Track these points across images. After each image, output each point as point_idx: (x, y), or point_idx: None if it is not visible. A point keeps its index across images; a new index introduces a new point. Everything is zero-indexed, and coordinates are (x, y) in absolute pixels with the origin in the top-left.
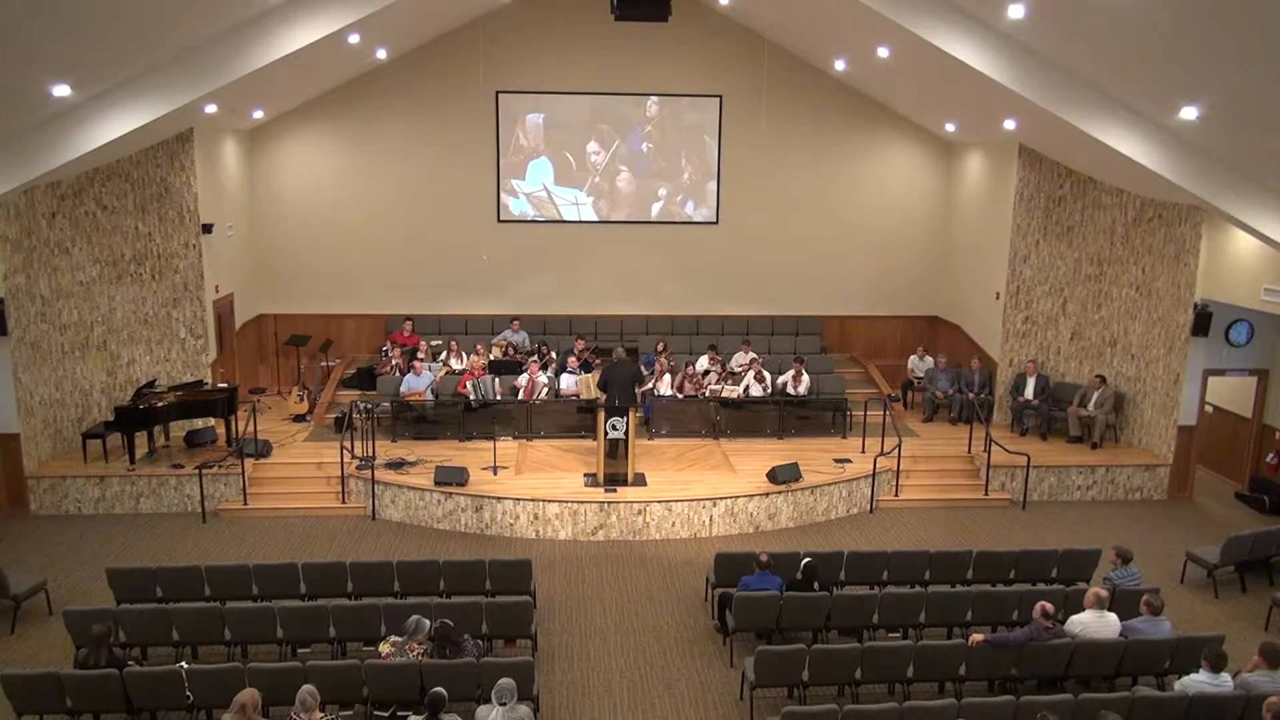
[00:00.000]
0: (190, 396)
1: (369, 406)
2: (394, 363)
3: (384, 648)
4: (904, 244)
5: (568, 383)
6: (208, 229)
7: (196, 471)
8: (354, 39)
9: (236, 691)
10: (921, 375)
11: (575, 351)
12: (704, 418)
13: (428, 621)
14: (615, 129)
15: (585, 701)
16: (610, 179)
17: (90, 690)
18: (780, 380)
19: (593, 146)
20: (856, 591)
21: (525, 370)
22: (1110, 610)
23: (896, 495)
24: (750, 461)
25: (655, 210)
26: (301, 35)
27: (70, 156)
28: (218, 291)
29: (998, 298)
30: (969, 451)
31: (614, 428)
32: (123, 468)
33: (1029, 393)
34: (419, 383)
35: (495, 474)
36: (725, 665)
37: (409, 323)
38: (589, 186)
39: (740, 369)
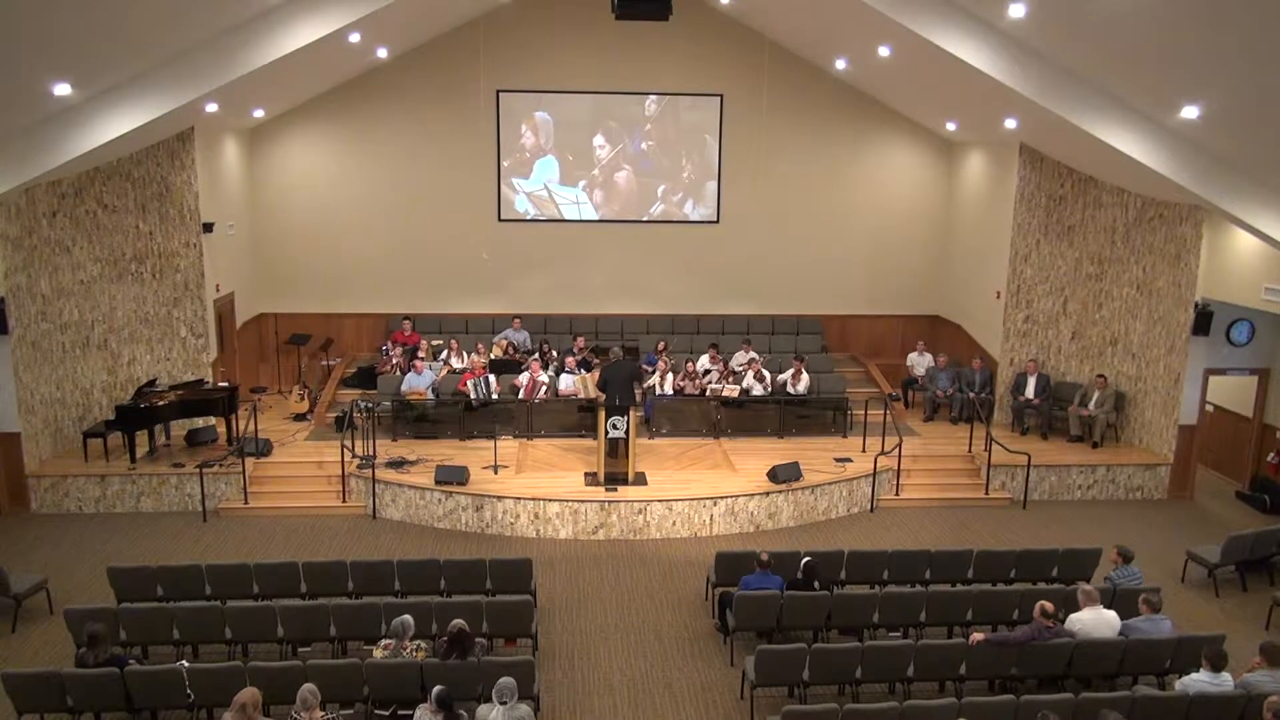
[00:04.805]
0: (191, 395)
1: (370, 405)
2: (394, 361)
3: (377, 653)
4: (904, 243)
5: (566, 382)
6: (208, 228)
7: (197, 470)
8: (354, 38)
9: (237, 690)
10: (922, 372)
11: (575, 350)
12: (704, 417)
13: (411, 619)
14: (619, 127)
15: (585, 701)
16: (610, 174)
17: (91, 689)
18: (780, 379)
19: (599, 140)
20: (857, 591)
21: (526, 369)
22: (1110, 609)
23: (897, 494)
24: (751, 460)
25: (655, 209)
26: (301, 35)
27: (71, 155)
28: (218, 290)
29: (998, 297)
30: (969, 451)
31: (614, 427)
32: (123, 467)
33: (1030, 392)
34: (420, 381)
35: (496, 473)
36: (725, 664)
37: (409, 322)
38: (589, 181)
39: (741, 368)
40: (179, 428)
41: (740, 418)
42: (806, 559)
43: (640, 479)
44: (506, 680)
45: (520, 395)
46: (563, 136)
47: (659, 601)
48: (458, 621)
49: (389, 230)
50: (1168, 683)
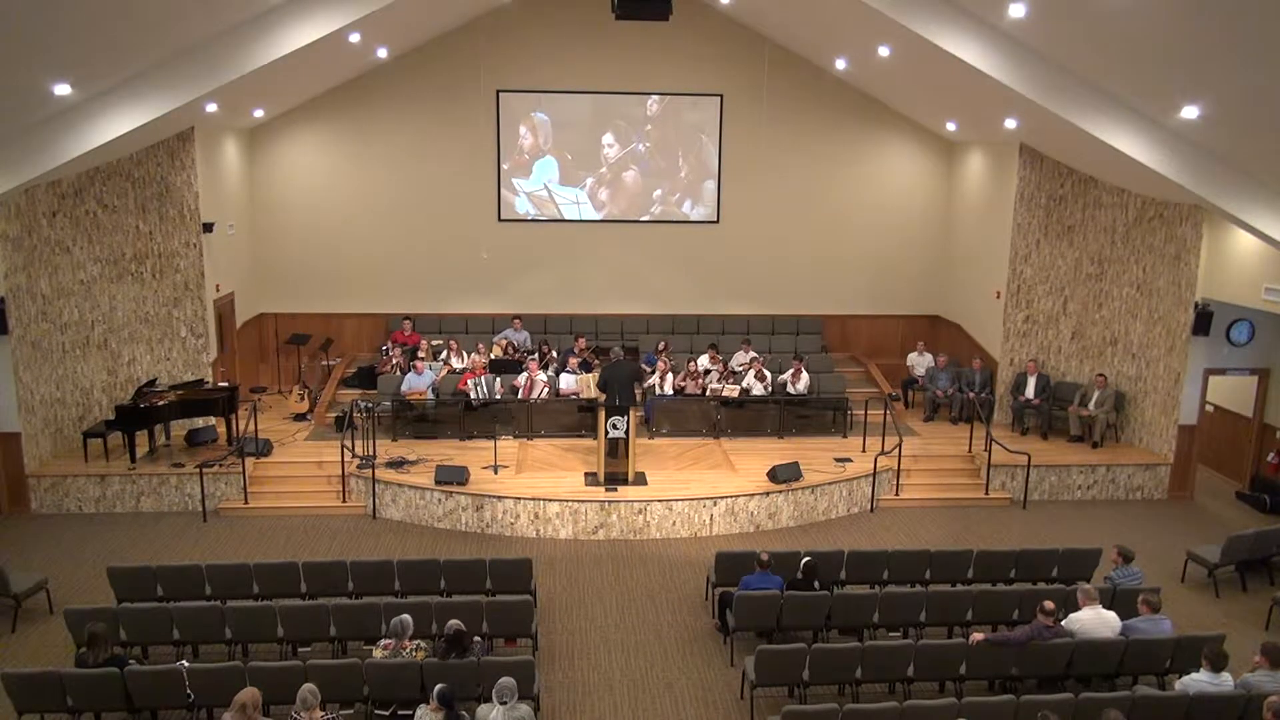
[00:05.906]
0: (191, 395)
1: (369, 405)
2: (394, 361)
3: (377, 653)
4: (904, 243)
5: (567, 382)
6: (208, 228)
7: (197, 470)
8: (354, 38)
9: (237, 690)
10: (921, 372)
11: (576, 351)
12: (705, 417)
13: (410, 618)
14: (627, 126)
15: (585, 700)
16: (617, 173)
17: (91, 689)
18: (780, 379)
19: (608, 139)
20: (857, 591)
21: (525, 369)
22: (1110, 609)
23: (897, 494)
24: (751, 460)
25: (655, 209)
26: (302, 34)
27: (71, 155)
28: (218, 290)
29: (998, 297)
30: (969, 451)
31: (614, 427)
32: (123, 467)
33: (1030, 392)
34: (420, 381)
35: (496, 473)
36: (725, 664)
37: (409, 322)
38: (593, 180)
39: (741, 368)
40: (179, 428)
41: (740, 418)
42: (806, 559)
43: (640, 479)
44: (506, 680)
45: (519, 395)
46: (563, 136)
47: (659, 601)
48: (454, 622)
49: (389, 230)
50: (1168, 683)
